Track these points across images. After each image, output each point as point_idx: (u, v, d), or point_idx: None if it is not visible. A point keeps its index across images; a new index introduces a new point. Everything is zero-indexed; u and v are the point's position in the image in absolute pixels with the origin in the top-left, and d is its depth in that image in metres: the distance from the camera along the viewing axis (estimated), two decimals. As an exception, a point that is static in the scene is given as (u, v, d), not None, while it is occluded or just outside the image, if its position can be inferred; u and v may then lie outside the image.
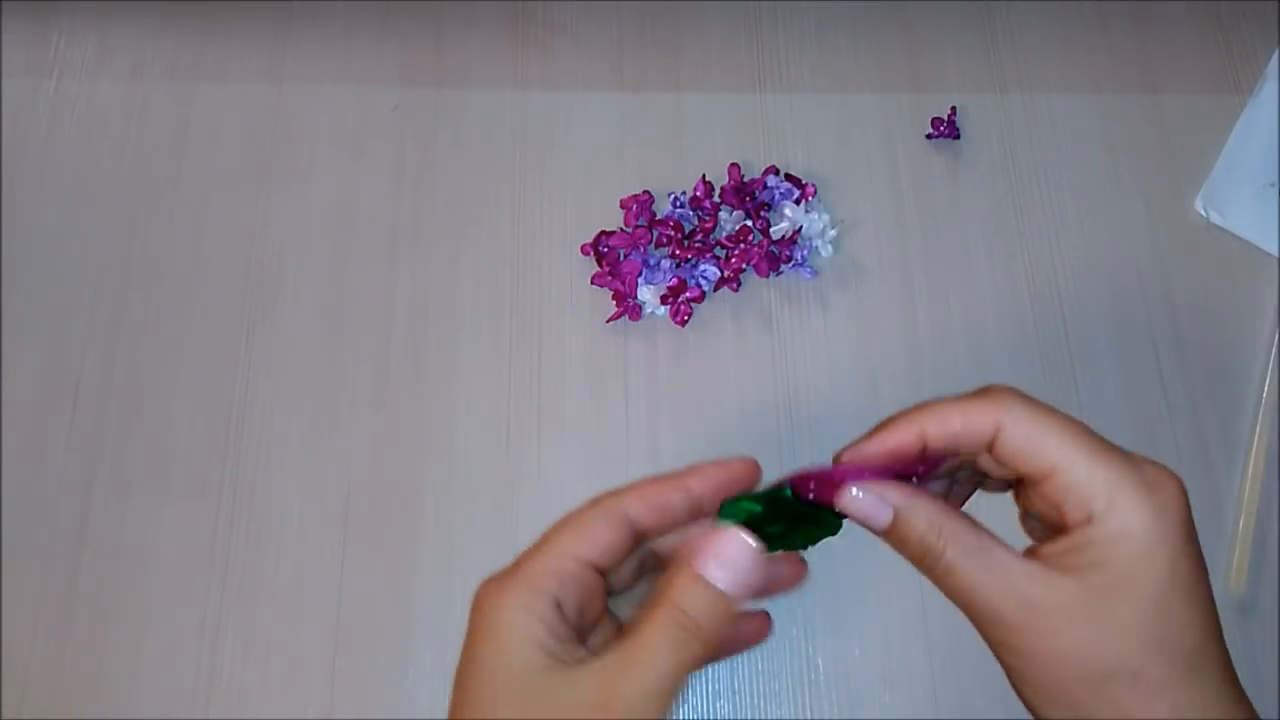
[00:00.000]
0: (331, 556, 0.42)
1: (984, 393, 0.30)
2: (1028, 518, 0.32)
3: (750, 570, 0.29)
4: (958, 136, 0.50)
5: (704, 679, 0.42)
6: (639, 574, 0.35)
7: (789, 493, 0.32)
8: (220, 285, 0.47)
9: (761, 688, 0.41)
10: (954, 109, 0.50)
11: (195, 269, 0.47)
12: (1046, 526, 0.30)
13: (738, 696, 0.41)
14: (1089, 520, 0.28)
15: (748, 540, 0.30)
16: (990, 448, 0.30)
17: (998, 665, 0.42)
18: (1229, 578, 0.43)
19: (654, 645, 0.29)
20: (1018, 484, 0.31)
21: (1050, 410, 0.29)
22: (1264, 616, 0.42)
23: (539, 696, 0.29)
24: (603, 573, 0.32)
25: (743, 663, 0.42)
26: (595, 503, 0.32)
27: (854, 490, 0.31)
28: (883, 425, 0.32)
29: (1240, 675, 0.40)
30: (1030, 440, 0.29)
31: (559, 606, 0.30)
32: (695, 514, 0.33)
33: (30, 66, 0.50)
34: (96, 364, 0.45)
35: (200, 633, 0.41)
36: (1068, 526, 0.29)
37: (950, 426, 0.30)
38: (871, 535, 0.44)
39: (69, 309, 0.46)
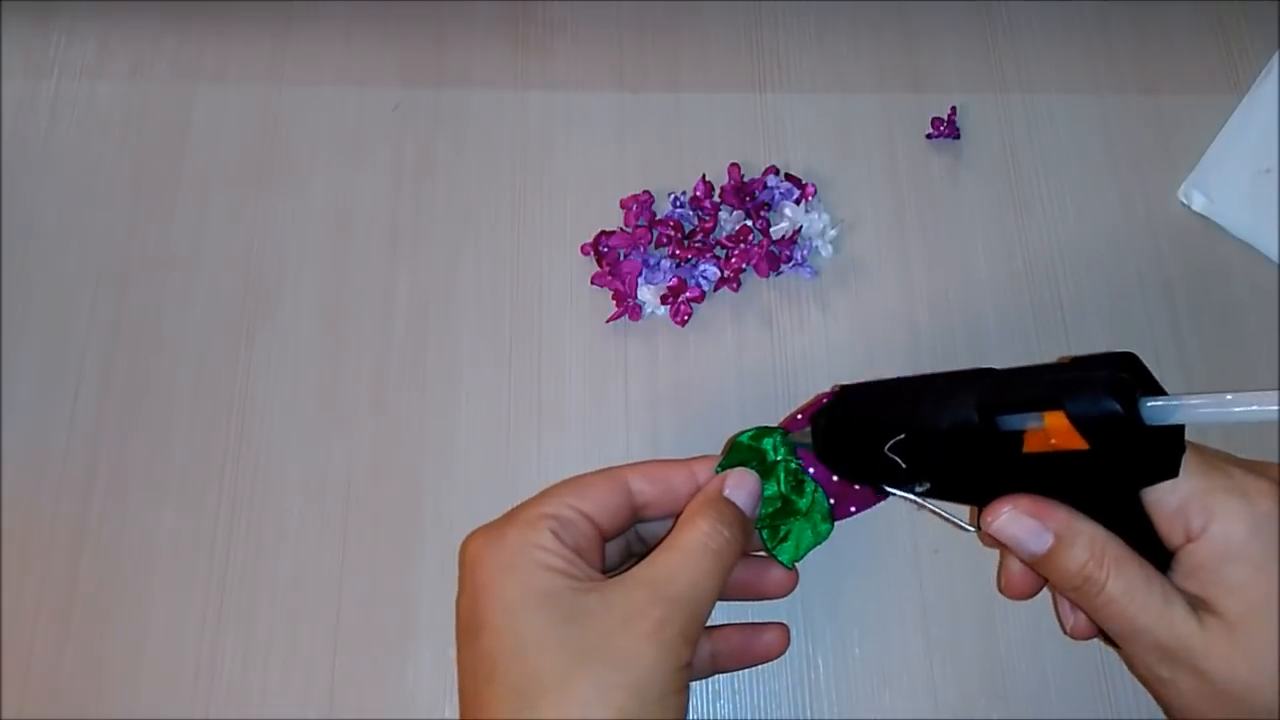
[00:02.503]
0: (331, 556, 0.43)
1: None
2: None
3: (757, 498, 0.33)
4: (958, 136, 0.50)
5: (704, 679, 0.42)
6: (625, 558, 0.35)
7: (789, 448, 0.34)
8: (220, 285, 0.47)
9: (761, 688, 0.41)
10: (954, 109, 0.50)
11: (195, 269, 0.47)
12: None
13: (738, 696, 0.41)
14: (1188, 538, 0.28)
15: (753, 474, 0.33)
16: None
17: (998, 665, 0.42)
18: None
19: (695, 550, 0.30)
20: None
21: None
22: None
23: (577, 615, 0.28)
24: (601, 531, 0.32)
25: (743, 663, 0.42)
26: (601, 470, 0.34)
27: (1006, 512, 0.29)
28: None
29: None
30: None
31: (558, 537, 0.30)
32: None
33: (30, 66, 0.50)
34: (96, 364, 0.45)
35: (200, 633, 0.41)
36: (1169, 544, 0.29)
37: None
38: (872, 535, 0.44)
39: (69, 309, 0.46)
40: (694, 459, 0.35)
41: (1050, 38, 0.53)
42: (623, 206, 0.48)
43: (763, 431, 0.35)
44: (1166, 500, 0.28)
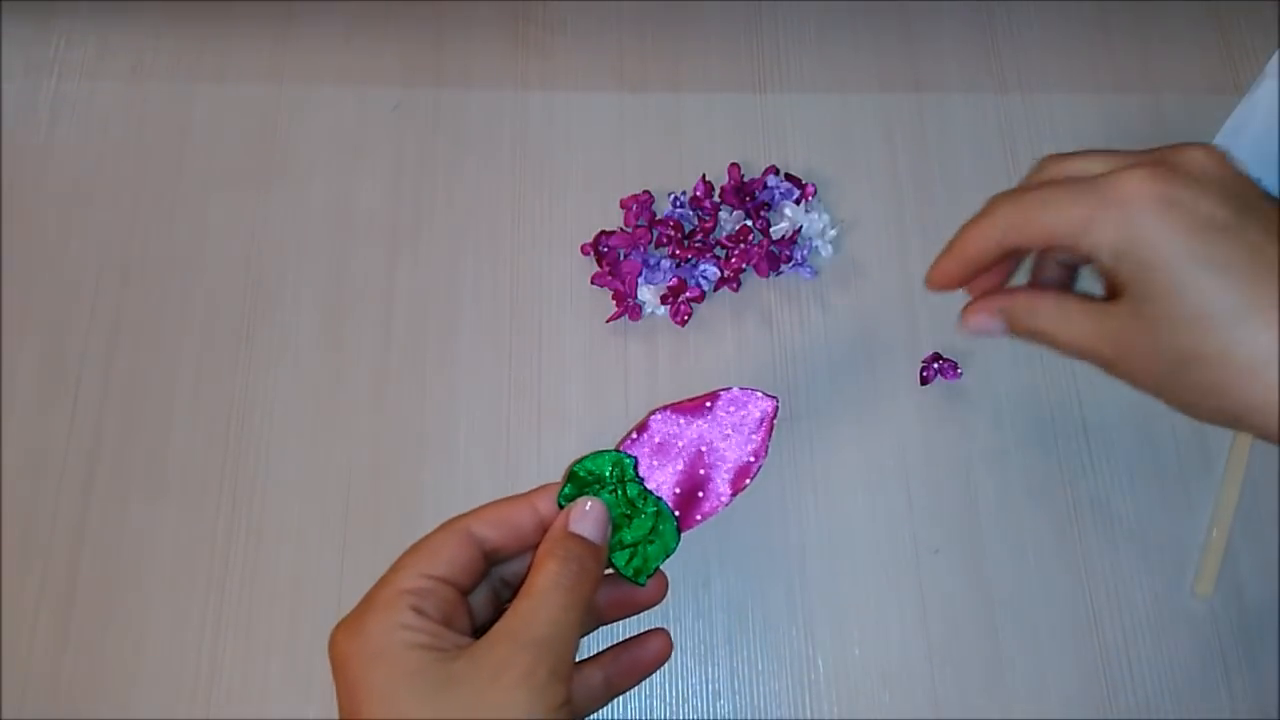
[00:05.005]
0: (331, 556, 0.43)
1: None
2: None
3: (604, 525, 0.34)
4: (959, 373, 0.46)
5: (703, 679, 0.42)
6: (494, 605, 0.35)
7: (628, 468, 0.35)
8: (220, 285, 0.47)
9: (761, 688, 0.41)
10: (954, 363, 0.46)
11: (195, 269, 0.47)
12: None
13: (738, 696, 0.41)
14: (1078, 255, 0.32)
15: (599, 503, 0.34)
16: None
17: (997, 665, 0.43)
18: (1197, 584, 0.43)
19: (548, 590, 0.31)
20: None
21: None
22: (1233, 621, 0.43)
23: (448, 684, 0.28)
24: (459, 589, 0.32)
25: (743, 663, 0.42)
26: (440, 526, 0.33)
27: (969, 317, 0.37)
28: (961, 236, 0.35)
29: (1212, 678, 0.41)
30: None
31: (420, 612, 0.30)
32: (542, 531, 0.34)
33: (30, 66, 0.50)
34: (96, 364, 0.45)
35: (200, 633, 0.41)
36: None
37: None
38: (871, 534, 0.44)
39: (69, 309, 0.46)
40: (534, 491, 0.35)
41: (1050, 38, 0.53)
42: (623, 206, 0.48)
43: (599, 455, 0.35)
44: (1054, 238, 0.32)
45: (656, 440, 0.36)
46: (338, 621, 0.31)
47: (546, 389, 0.45)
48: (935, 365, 0.46)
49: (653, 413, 0.36)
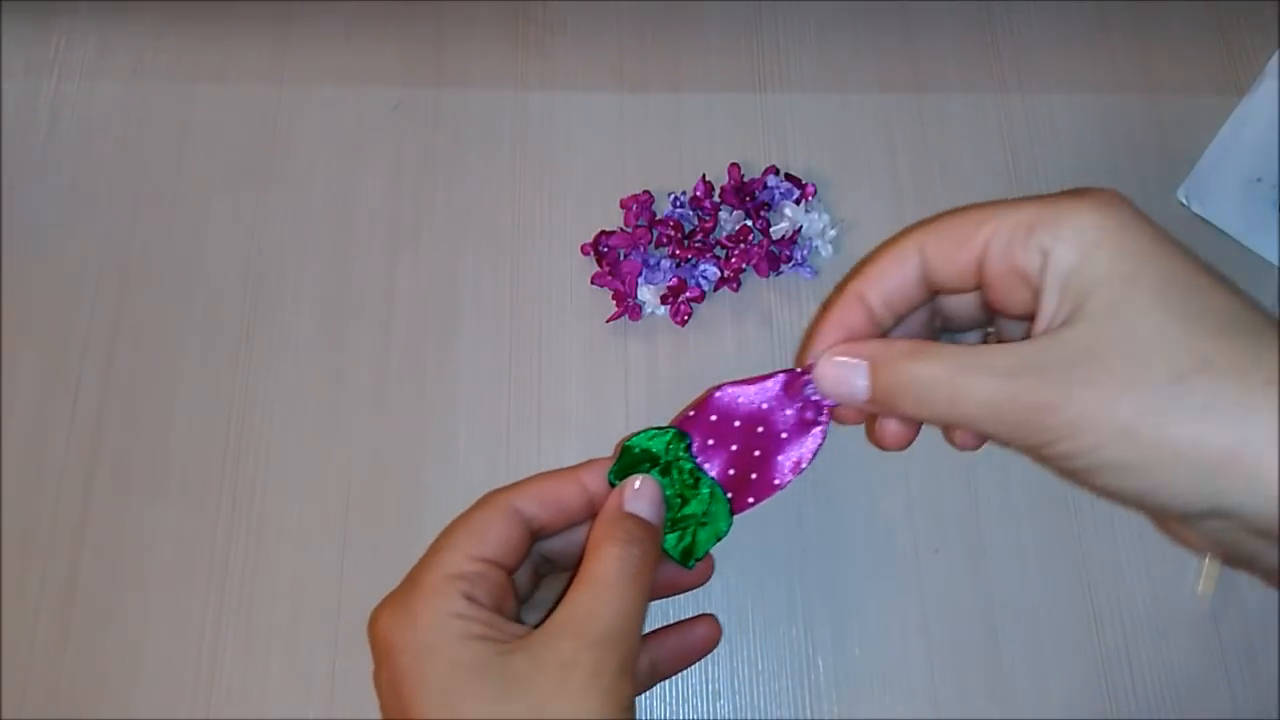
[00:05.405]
0: (331, 557, 0.43)
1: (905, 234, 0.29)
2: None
3: (660, 504, 0.31)
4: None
5: (704, 679, 0.42)
6: (535, 580, 0.34)
7: (681, 446, 0.34)
8: (220, 285, 0.47)
9: (761, 688, 0.41)
10: None
11: (195, 269, 0.47)
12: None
13: (738, 696, 0.41)
14: (1043, 269, 0.25)
15: (653, 480, 0.32)
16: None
17: (998, 665, 0.42)
18: (1197, 583, 0.43)
19: (613, 580, 0.29)
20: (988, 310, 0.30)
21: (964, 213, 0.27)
22: (1233, 621, 0.43)
23: (511, 683, 0.26)
24: (507, 571, 0.30)
25: (743, 663, 0.42)
26: (484, 501, 0.32)
27: (823, 366, 0.30)
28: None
29: (1212, 678, 0.41)
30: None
31: (472, 599, 0.28)
32: (591, 509, 0.32)
33: (30, 66, 0.50)
34: (96, 364, 0.45)
35: (200, 633, 0.41)
36: (1031, 299, 0.26)
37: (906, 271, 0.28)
38: (871, 534, 0.44)
39: (69, 309, 0.46)
40: (581, 466, 0.33)
41: (1050, 38, 0.53)
42: (623, 206, 0.48)
43: (654, 433, 0.34)
44: (1005, 261, 0.26)
45: (713, 419, 0.34)
46: (354, 609, 0.29)
47: (546, 389, 0.45)
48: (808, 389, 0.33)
49: (712, 390, 0.34)
